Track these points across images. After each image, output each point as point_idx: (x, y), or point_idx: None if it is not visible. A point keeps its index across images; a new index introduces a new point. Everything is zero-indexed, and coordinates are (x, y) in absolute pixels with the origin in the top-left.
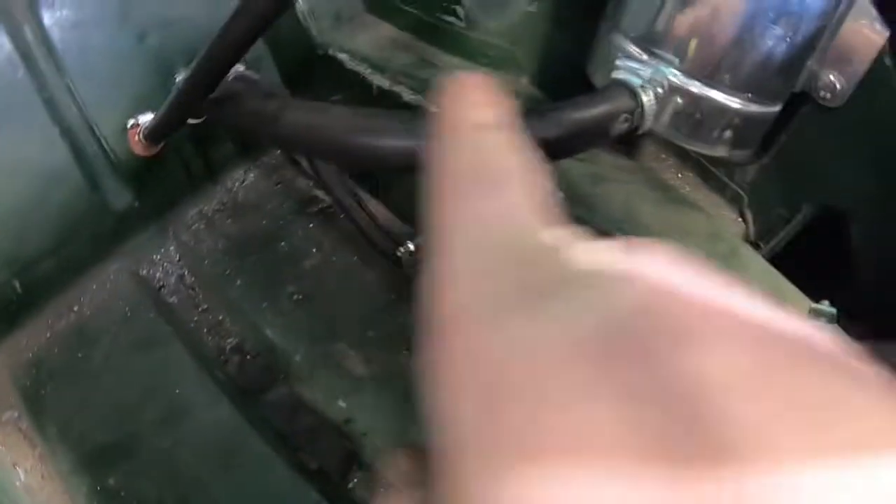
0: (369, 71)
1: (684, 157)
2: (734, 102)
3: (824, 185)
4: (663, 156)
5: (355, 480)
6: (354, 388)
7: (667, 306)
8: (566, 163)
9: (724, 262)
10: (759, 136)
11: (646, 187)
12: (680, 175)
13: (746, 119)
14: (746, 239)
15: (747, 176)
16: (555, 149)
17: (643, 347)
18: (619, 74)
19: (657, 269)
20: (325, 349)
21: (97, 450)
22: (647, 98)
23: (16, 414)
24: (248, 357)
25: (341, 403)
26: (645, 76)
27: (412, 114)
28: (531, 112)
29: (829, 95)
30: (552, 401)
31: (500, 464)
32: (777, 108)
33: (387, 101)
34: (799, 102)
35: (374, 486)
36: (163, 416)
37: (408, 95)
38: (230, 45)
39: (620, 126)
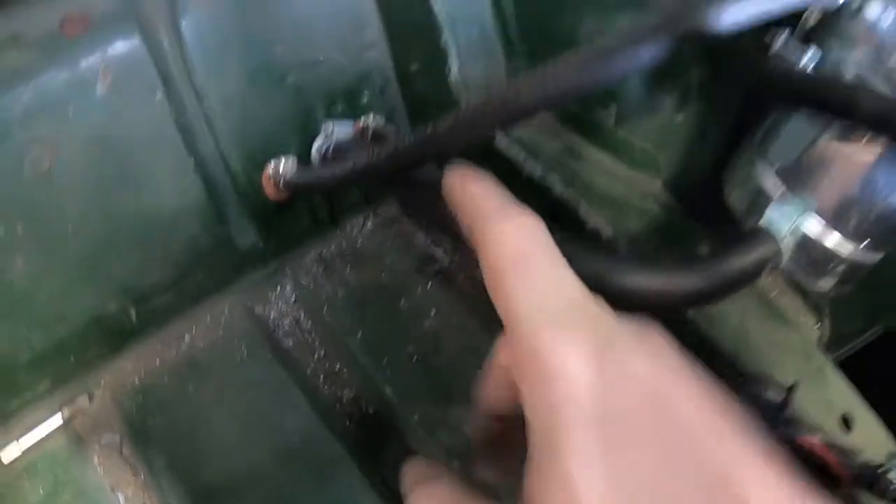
0: (523, 155)
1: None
2: (851, 249)
3: None
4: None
5: None
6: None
7: None
8: None
9: (813, 381)
10: (861, 277)
11: (755, 307)
12: (770, 278)
13: (857, 265)
14: (821, 345)
15: (830, 289)
16: (698, 300)
17: None
18: (768, 220)
19: None
20: (443, 412)
21: (207, 485)
22: (789, 243)
23: (117, 438)
24: (367, 412)
25: (456, 465)
26: (790, 222)
27: None
28: (675, 264)
29: None
30: None
31: None
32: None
33: (535, 191)
34: None
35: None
36: (273, 458)
37: (559, 188)
38: (436, 149)
39: (766, 273)
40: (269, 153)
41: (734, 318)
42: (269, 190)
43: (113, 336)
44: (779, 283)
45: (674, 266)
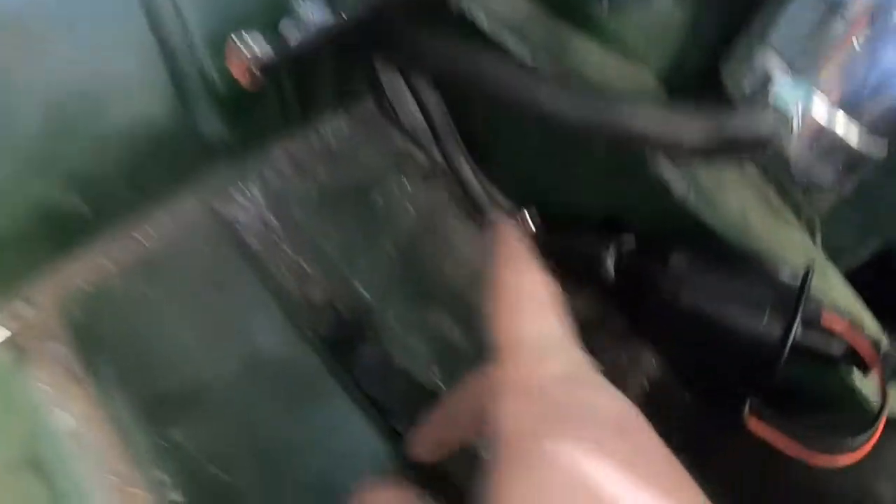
0: (512, 39)
1: (767, 174)
2: (856, 132)
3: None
4: (757, 176)
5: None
6: (450, 357)
7: None
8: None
9: (818, 277)
10: (861, 174)
11: (754, 200)
12: (772, 199)
13: (860, 158)
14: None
15: (824, 202)
16: (702, 149)
17: None
18: (774, 98)
19: None
20: (420, 313)
21: (161, 397)
22: (796, 125)
23: (63, 350)
24: (340, 312)
25: (434, 370)
26: (796, 101)
27: None
28: (684, 109)
29: None
30: None
31: None
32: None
33: None
34: None
35: (464, 456)
36: (238, 364)
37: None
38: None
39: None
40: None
41: (735, 206)
42: (238, 71)
43: (61, 234)
44: (773, 197)
45: (683, 111)
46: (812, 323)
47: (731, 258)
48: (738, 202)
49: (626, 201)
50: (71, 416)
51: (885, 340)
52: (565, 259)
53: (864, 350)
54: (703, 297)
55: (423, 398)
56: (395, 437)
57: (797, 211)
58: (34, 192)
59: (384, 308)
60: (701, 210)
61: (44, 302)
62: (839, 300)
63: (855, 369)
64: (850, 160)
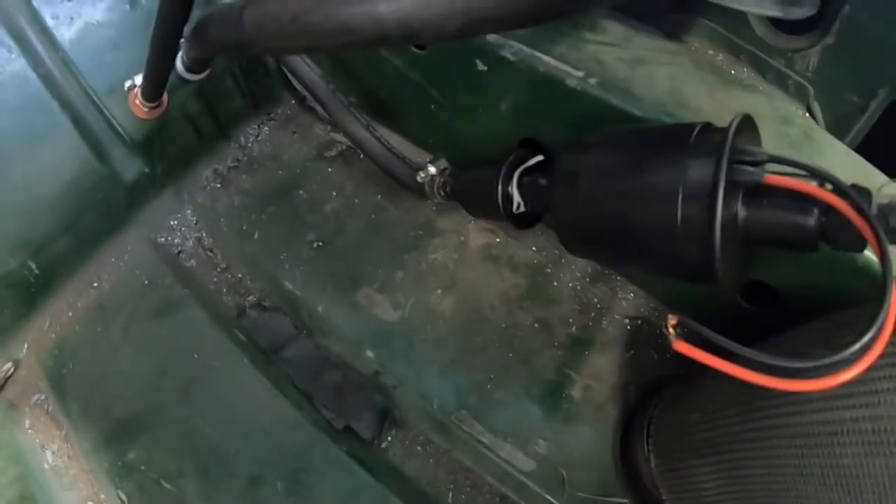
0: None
1: (736, 49)
2: None
3: None
4: (711, 52)
5: (388, 439)
6: (383, 336)
7: None
8: (594, 48)
9: (798, 146)
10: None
11: (694, 69)
12: (733, 71)
13: None
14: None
15: (810, 63)
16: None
17: None
18: None
19: None
20: (350, 297)
21: (117, 425)
22: None
23: (42, 396)
24: (268, 311)
25: (369, 354)
26: None
27: None
28: None
29: None
30: None
31: None
32: None
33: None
34: None
35: (410, 445)
36: (182, 385)
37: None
38: None
39: None
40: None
41: (663, 81)
42: (137, 110)
43: (22, 295)
44: (745, 73)
45: None
46: (755, 191)
47: (638, 146)
48: (667, 76)
49: (530, 123)
50: (51, 454)
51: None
52: (475, 200)
53: (840, 205)
54: (604, 201)
55: (358, 387)
56: (329, 429)
57: (782, 81)
58: None
59: (313, 299)
60: (608, 96)
61: (25, 359)
62: (835, 163)
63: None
64: None
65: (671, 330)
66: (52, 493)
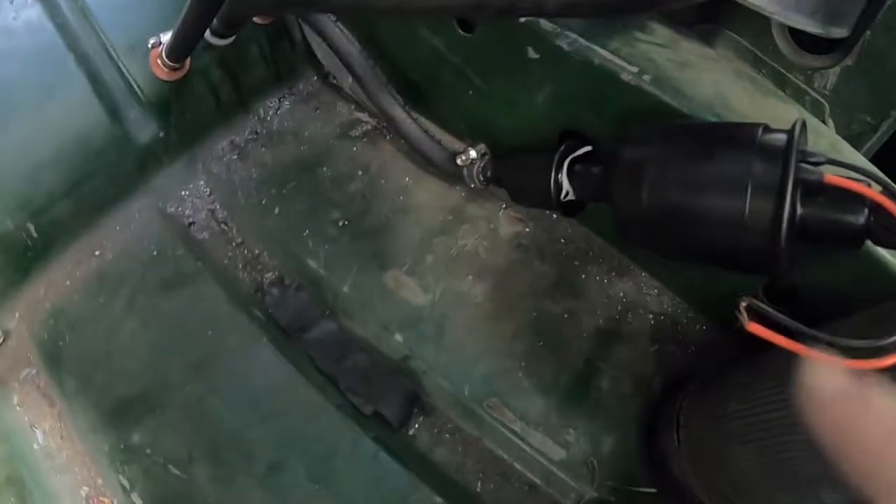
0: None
1: (758, 63)
2: None
3: None
4: (738, 62)
5: (416, 426)
6: (412, 320)
7: None
8: (646, 47)
9: (827, 154)
10: (852, 16)
11: (735, 77)
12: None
13: None
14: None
15: (828, 82)
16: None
17: None
18: None
19: None
20: (377, 278)
21: (120, 404)
22: None
23: (34, 371)
24: (290, 289)
25: (398, 338)
26: None
27: None
28: None
29: None
30: None
31: None
32: None
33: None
34: None
35: (439, 432)
36: (193, 363)
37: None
38: None
39: None
40: (154, 34)
41: (708, 84)
42: (158, 70)
43: (17, 259)
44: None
45: None
46: (814, 189)
47: (703, 141)
48: (711, 80)
49: (575, 114)
50: (42, 433)
51: None
52: (521, 185)
53: (888, 204)
54: (670, 192)
55: (385, 372)
56: (356, 414)
57: (798, 95)
58: None
59: (338, 279)
60: (661, 92)
61: (16, 329)
62: (856, 176)
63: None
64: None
65: (743, 312)
66: (42, 476)
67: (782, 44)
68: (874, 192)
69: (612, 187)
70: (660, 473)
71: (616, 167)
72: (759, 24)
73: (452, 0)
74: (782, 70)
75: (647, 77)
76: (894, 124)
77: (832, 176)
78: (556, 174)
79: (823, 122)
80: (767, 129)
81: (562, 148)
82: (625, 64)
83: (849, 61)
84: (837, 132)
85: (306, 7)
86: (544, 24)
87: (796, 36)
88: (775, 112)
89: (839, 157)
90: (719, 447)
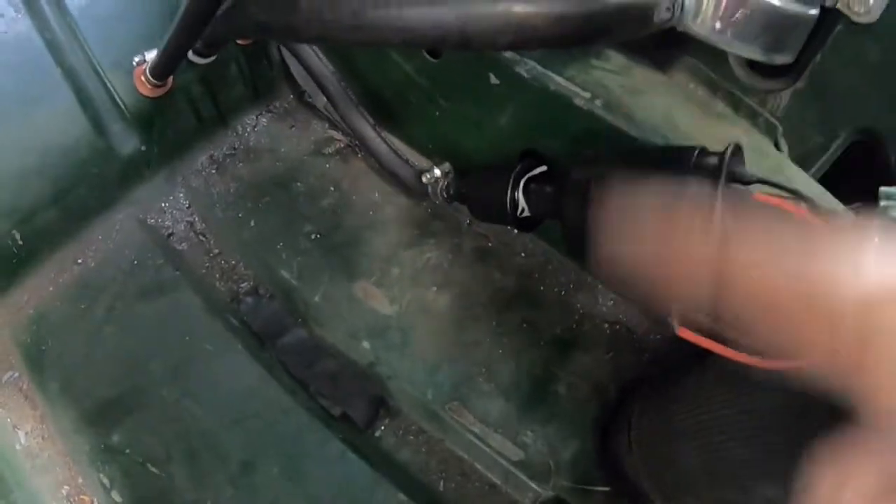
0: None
1: (714, 86)
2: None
3: (861, 108)
4: (692, 86)
5: (382, 428)
6: (380, 329)
7: None
8: (600, 73)
9: (772, 175)
10: (795, 44)
11: (683, 101)
12: (697, 85)
13: (786, 19)
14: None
15: (781, 103)
16: (589, 30)
17: None
18: None
19: None
20: (346, 289)
21: (100, 406)
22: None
23: (16, 374)
24: (263, 298)
25: (365, 345)
26: None
27: None
28: None
29: (861, 10)
30: None
31: None
32: (814, 13)
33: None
34: (832, 21)
35: (403, 433)
36: (171, 367)
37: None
38: None
39: (662, 15)
40: (142, 52)
41: (659, 108)
42: (142, 87)
43: (3, 265)
44: (721, 108)
45: None
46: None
47: (644, 162)
48: (662, 105)
49: (534, 136)
50: (24, 434)
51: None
52: (481, 202)
53: (812, 220)
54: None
55: (353, 376)
56: (324, 416)
57: (752, 117)
58: None
59: (310, 288)
60: (612, 117)
61: None
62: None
63: None
64: (772, 23)
65: (674, 318)
66: (23, 476)
67: (737, 68)
68: (798, 209)
69: (562, 205)
70: (614, 473)
71: (566, 186)
72: (715, 49)
73: (417, 34)
74: (738, 93)
75: (598, 102)
76: (845, 143)
77: (760, 194)
78: (513, 192)
79: (776, 142)
80: (703, 151)
81: (517, 168)
82: (578, 90)
83: (800, 84)
84: (790, 152)
85: (283, 37)
86: (505, 52)
87: (751, 60)
88: (720, 134)
89: (780, 178)
90: (668, 447)
